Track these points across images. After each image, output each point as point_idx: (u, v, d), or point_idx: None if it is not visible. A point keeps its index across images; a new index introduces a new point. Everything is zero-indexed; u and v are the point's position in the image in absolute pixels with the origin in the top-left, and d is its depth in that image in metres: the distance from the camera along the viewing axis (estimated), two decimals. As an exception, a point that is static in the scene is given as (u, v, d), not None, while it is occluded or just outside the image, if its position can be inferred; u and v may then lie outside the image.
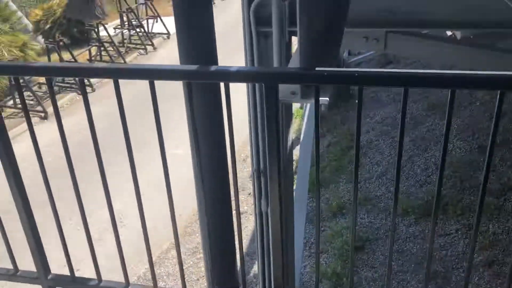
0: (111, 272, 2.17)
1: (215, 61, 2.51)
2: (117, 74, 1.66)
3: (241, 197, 7.06)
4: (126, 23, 15.09)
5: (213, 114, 2.56)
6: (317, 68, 1.45)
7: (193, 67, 1.60)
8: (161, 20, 15.93)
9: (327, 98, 1.56)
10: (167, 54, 14.58)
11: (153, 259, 6.53)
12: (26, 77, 10.57)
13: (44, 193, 1.88)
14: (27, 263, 2.09)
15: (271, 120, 1.53)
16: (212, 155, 2.72)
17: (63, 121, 1.76)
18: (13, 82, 10.77)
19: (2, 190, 1.99)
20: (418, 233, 5.91)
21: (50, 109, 10.82)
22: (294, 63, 1.55)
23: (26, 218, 1.93)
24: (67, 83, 11.95)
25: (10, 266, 2.09)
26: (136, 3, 16.38)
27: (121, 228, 6.79)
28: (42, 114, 10.57)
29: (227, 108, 1.63)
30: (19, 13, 13.90)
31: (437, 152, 7.14)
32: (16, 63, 1.56)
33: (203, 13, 2.38)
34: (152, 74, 1.64)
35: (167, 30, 15.86)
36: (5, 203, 2.04)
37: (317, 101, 1.58)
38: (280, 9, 2.56)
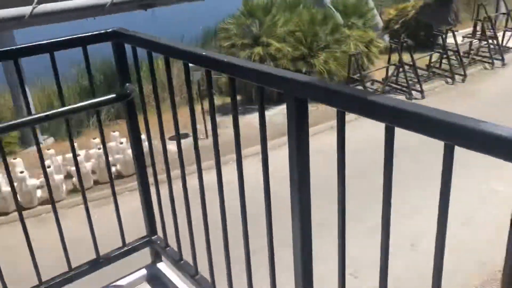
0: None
1: None
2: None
3: None
4: (479, 32, 13.83)
5: None
6: None
7: None
8: (521, 34, 13.96)
9: None
10: (517, 73, 12.69)
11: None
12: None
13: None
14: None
15: None
16: None
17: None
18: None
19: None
20: None
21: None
22: None
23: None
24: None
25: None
26: (496, 12, 14.84)
27: (411, 252, 6.22)
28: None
29: None
30: (375, 11, 14.51)
31: None
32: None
33: None
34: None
35: (525, 46, 13.81)
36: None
37: None
38: None
